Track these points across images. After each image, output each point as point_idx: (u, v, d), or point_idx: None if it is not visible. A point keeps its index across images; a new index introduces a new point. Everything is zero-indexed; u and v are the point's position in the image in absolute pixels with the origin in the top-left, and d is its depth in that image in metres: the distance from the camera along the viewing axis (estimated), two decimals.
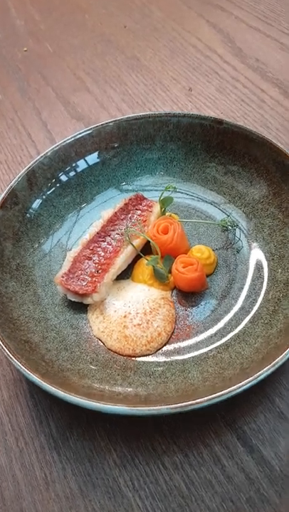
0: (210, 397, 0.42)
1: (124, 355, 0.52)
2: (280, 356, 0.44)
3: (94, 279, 0.55)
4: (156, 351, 0.52)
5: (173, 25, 1.02)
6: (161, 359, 0.51)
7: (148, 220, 0.60)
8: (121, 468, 0.46)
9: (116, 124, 0.66)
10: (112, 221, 0.60)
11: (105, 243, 0.58)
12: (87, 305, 0.56)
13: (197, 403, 0.41)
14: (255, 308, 0.54)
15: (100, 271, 0.56)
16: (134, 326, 0.53)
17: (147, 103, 0.86)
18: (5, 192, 0.59)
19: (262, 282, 0.56)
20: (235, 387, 0.42)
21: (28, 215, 0.62)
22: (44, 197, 0.64)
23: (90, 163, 0.67)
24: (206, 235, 0.62)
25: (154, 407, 0.42)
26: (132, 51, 0.98)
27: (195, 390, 0.46)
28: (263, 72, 0.87)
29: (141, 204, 0.62)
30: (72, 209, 0.65)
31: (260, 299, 0.54)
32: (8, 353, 0.46)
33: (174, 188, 0.61)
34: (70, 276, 0.55)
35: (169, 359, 0.51)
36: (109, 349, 0.52)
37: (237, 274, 0.58)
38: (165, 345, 0.53)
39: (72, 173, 0.66)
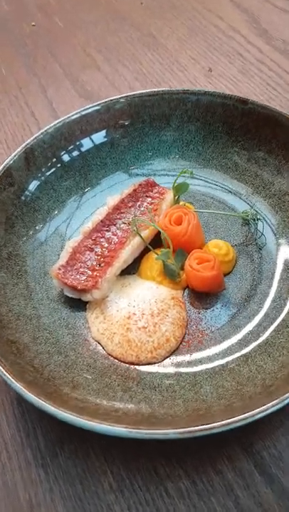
0: (226, 421, 0.38)
1: (127, 363, 0.50)
2: None
3: (95, 273, 0.53)
4: (163, 359, 0.50)
5: (193, 4, 1.02)
6: (169, 369, 0.49)
7: (159, 208, 0.59)
8: (117, 493, 0.43)
9: (127, 101, 0.64)
10: (118, 208, 0.59)
11: (110, 233, 0.57)
12: (86, 303, 0.55)
13: (210, 428, 0.38)
14: (282, 315, 0.51)
15: (102, 264, 0.54)
16: (139, 329, 0.51)
17: (163, 83, 0.85)
18: None
19: None
20: (257, 410, 0.39)
21: (23, 197, 0.60)
22: (43, 178, 0.62)
23: (97, 142, 0.65)
24: (224, 228, 0.60)
25: (159, 431, 0.39)
26: (148, 28, 0.97)
27: (208, 409, 0.43)
28: None
29: (152, 191, 0.60)
30: (75, 193, 0.64)
31: (288, 305, 0.52)
32: None
33: (191, 172, 0.58)
34: (68, 268, 0.54)
35: (178, 370, 0.49)
36: (109, 354, 0.51)
37: (260, 274, 0.55)
38: (174, 352, 0.50)
39: (76, 153, 0.64)
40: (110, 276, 0.53)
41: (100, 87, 0.84)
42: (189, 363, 0.49)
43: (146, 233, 0.56)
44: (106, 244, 0.56)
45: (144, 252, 0.58)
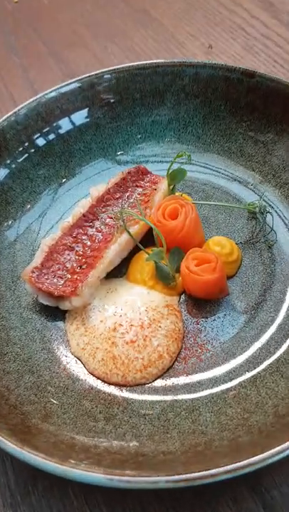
0: (230, 467, 0.34)
1: (111, 384, 0.47)
2: None
3: (75, 276, 0.51)
4: (154, 380, 0.47)
5: None
6: (162, 392, 0.46)
7: (151, 200, 0.56)
8: None
9: (114, 76, 0.62)
10: (103, 200, 0.56)
11: (93, 229, 0.55)
12: (65, 312, 0.52)
13: (211, 476, 0.34)
14: None
15: (83, 266, 0.52)
16: (127, 343, 0.48)
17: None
18: None
19: None
20: (269, 453, 0.34)
21: None
22: (15, 166, 0.59)
23: (79, 123, 0.62)
24: (227, 222, 0.57)
25: (147, 478, 0.35)
26: (141, 4, 0.94)
27: (208, 444, 0.40)
28: None
29: (143, 179, 0.58)
30: (54, 183, 0.61)
31: None
32: None
33: (189, 156, 0.54)
34: (44, 271, 0.52)
35: (172, 393, 0.46)
36: (90, 373, 0.48)
37: (271, 277, 0.53)
38: (167, 372, 0.48)
39: (54, 137, 0.61)
40: (93, 280, 0.51)
41: (86, 66, 0.82)
42: (186, 385, 0.47)
43: (136, 229, 0.54)
44: (88, 243, 0.54)
45: (134, 251, 0.56)
